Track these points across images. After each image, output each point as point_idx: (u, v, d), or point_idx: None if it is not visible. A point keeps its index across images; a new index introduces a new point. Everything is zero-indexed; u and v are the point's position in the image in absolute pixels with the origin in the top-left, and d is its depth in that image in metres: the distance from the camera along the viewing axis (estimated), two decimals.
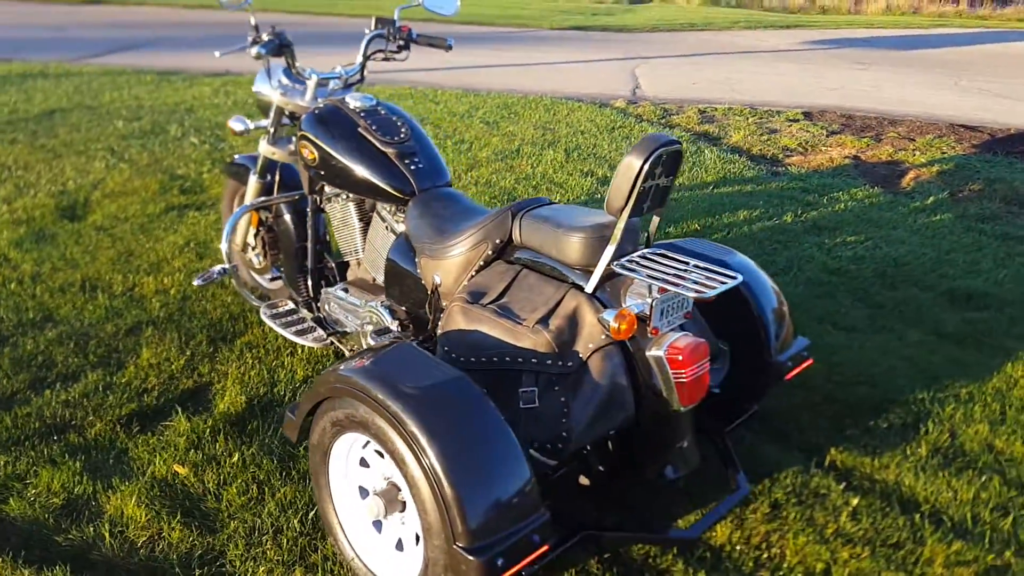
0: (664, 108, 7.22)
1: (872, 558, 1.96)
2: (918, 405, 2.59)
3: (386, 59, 2.69)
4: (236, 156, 3.02)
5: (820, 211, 4.46)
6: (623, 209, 1.80)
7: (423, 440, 1.52)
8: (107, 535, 1.91)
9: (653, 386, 1.83)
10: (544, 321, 1.84)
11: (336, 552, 1.85)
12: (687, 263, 1.86)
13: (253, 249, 2.95)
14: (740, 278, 1.82)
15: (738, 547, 1.98)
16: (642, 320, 1.81)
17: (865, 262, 3.74)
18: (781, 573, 1.91)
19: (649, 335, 1.81)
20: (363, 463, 1.80)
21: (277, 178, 2.82)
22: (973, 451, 2.38)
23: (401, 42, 2.66)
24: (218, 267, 2.67)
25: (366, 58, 2.68)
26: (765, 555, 1.96)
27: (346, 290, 2.57)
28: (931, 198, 4.71)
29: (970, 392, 2.68)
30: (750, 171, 5.25)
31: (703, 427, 2.25)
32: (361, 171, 2.34)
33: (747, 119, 6.74)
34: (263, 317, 2.64)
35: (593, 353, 1.81)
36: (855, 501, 2.14)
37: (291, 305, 2.70)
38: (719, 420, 2.25)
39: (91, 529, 1.93)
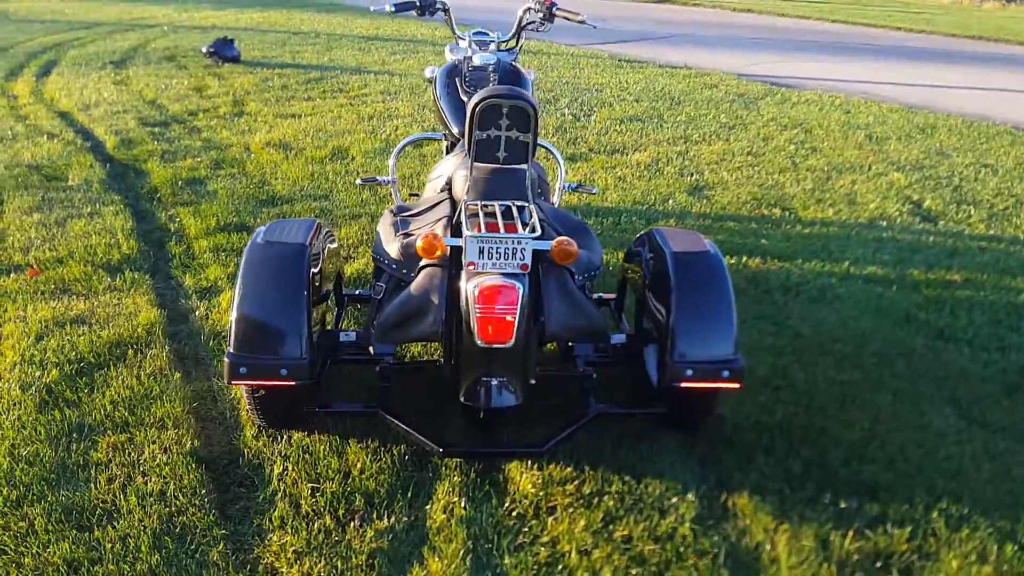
0: None
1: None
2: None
3: (535, 30, 3.08)
4: None
5: None
6: (467, 155, 2.01)
7: (239, 274, 2.07)
8: None
9: (465, 317, 2.01)
10: (408, 236, 2.17)
11: None
12: (532, 218, 1.97)
13: None
14: (531, 236, 1.89)
15: (517, 478, 2.09)
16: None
17: None
18: (519, 505, 1.92)
19: (466, 269, 2.00)
20: None
21: None
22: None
23: (543, 13, 3.02)
24: (382, 178, 3.47)
25: (520, 27, 3.11)
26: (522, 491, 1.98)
27: None
28: None
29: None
30: None
31: (589, 399, 2.23)
32: (444, 111, 2.85)
33: None
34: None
35: (422, 269, 2.08)
36: (618, 499, 1.91)
37: None
38: (602, 400, 2.21)
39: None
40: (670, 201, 4.26)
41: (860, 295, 3.19)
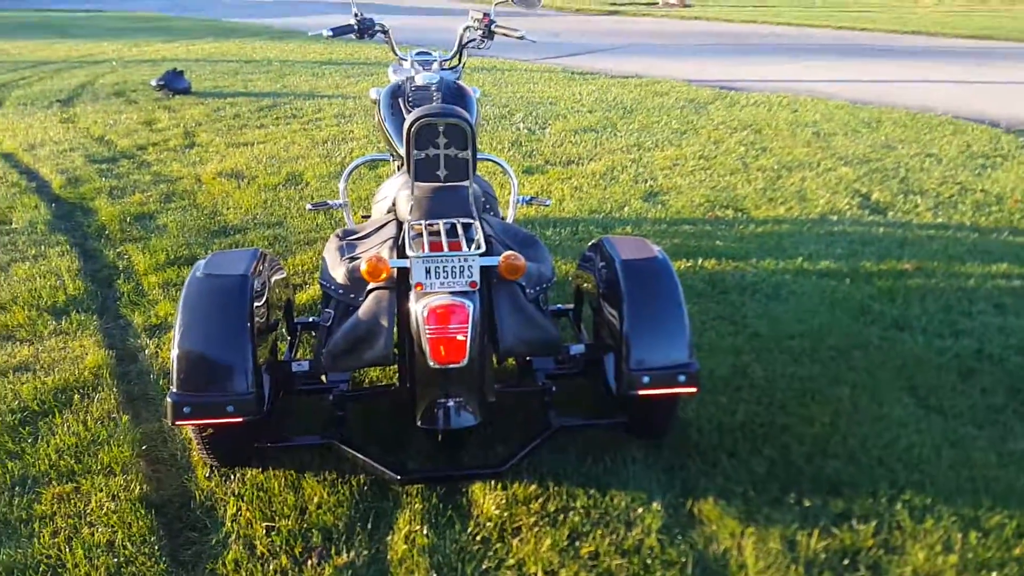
0: None
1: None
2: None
3: (477, 48, 3.07)
4: None
5: None
6: (409, 174, 1.99)
7: (179, 310, 2.02)
8: None
9: (417, 339, 1.97)
10: (354, 259, 2.13)
11: None
12: (478, 235, 1.94)
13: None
14: (477, 253, 1.87)
15: (481, 500, 2.04)
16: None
17: None
18: (483, 528, 1.88)
19: (415, 289, 1.96)
20: None
21: None
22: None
23: (482, 31, 3.01)
24: (333, 201, 3.42)
25: (461, 45, 3.10)
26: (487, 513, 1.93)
27: None
28: None
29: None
30: None
31: (550, 413, 2.20)
32: (389, 131, 2.82)
33: None
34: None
35: (369, 293, 2.04)
36: (594, 513, 1.89)
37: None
38: (566, 413, 2.18)
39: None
40: (626, 208, 4.26)
41: (814, 290, 3.21)
